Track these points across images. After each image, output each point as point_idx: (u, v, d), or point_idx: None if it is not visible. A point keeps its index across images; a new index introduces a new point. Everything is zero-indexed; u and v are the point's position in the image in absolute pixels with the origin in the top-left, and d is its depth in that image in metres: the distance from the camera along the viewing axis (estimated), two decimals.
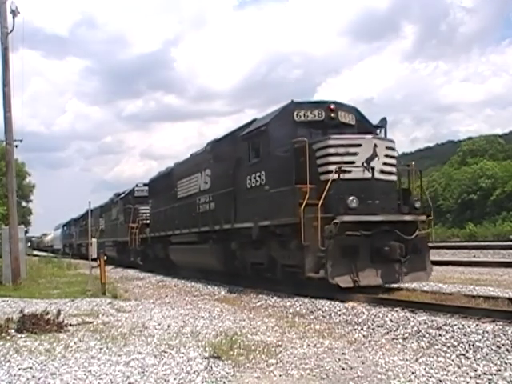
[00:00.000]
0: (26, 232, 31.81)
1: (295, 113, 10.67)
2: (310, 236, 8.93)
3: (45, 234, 70.41)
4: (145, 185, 23.85)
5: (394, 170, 9.96)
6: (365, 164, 9.38)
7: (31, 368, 5.00)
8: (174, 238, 17.01)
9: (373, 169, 9.39)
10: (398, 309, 7.70)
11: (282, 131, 10.50)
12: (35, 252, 50.55)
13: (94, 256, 14.66)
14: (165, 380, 4.54)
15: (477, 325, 6.20)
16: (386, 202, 9.63)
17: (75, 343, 6.17)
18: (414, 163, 11.00)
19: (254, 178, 11.10)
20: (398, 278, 9.36)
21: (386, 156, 9.74)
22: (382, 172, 9.58)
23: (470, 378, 4.48)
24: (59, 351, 5.74)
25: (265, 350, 5.56)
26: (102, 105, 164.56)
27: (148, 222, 21.36)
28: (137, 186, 25.09)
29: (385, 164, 9.65)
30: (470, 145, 71.29)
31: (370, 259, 9.14)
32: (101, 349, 5.85)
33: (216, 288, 12.88)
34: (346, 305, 8.35)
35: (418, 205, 9.96)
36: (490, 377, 4.47)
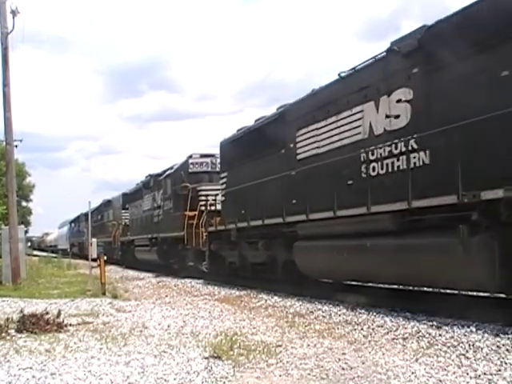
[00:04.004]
0: (26, 232, 31.52)
1: None
2: None
3: (46, 234, 68.18)
4: (203, 156, 17.73)
5: None
6: None
7: (31, 368, 5.00)
8: (305, 229, 10.17)
9: None
10: (397, 308, 7.70)
11: None
12: (35, 252, 49.96)
13: (94, 256, 14.71)
14: (165, 380, 4.53)
15: (477, 325, 6.21)
16: None
17: (75, 343, 6.17)
18: None
19: None
20: None
21: None
22: None
23: (470, 378, 4.46)
24: (59, 351, 5.74)
25: (265, 350, 5.55)
26: (102, 105, 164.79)
27: (217, 207, 14.70)
28: (191, 157, 17.96)
29: None
30: None
31: None
32: (101, 349, 5.84)
33: (216, 288, 12.90)
34: None
35: None
36: (490, 377, 4.45)
